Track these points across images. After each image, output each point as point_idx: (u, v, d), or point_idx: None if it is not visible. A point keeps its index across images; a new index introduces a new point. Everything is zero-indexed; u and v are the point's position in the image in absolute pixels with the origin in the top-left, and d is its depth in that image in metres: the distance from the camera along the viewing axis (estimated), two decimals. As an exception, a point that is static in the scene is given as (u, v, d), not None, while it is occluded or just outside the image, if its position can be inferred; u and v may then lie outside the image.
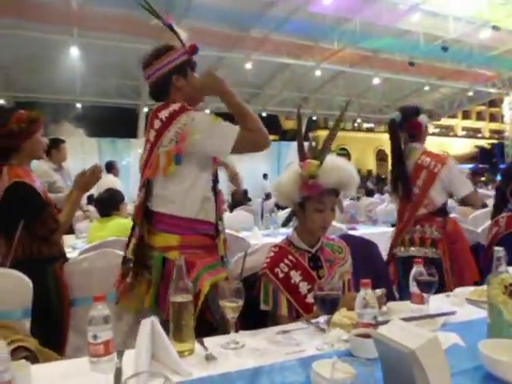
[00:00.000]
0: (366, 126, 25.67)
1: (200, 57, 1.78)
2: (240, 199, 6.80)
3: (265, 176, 12.14)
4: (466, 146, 30.13)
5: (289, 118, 22.89)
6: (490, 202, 5.32)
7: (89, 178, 2.13)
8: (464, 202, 2.55)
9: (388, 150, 2.73)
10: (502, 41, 10.66)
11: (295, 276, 1.62)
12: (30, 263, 1.93)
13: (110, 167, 6.53)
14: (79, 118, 18.86)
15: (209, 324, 1.54)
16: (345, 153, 22.68)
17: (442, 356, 0.84)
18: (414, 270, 1.48)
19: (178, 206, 1.60)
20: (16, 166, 1.99)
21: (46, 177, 3.81)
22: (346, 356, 1.10)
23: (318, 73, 11.63)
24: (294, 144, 1.81)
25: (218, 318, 1.54)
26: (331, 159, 1.64)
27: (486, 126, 34.17)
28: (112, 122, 17.36)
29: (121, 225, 3.14)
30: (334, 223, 2.11)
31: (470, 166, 14.64)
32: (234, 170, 3.77)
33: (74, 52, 8.94)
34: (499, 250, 1.19)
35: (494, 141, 29.13)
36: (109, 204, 3.24)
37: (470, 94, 14.69)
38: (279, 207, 5.38)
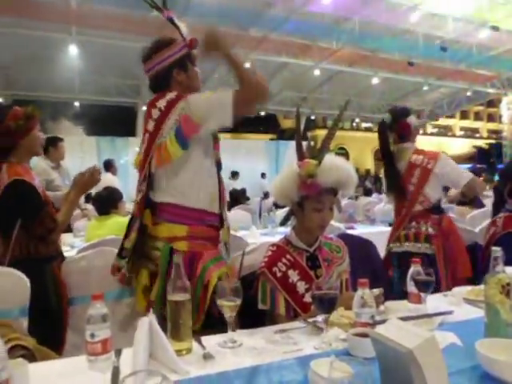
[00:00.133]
0: (364, 125, 25.68)
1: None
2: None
3: (263, 175, 12.13)
4: (464, 146, 30.18)
5: (287, 117, 22.89)
6: (488, 202, 5.35)
7: (88, 179, 2.13)
8: (467, 193, 2.54)
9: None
10: (501, 41, 10.67)
11: (293, 275, 1.62)
12: (28, 262, 1.92)
13: (109, 166, 6.52)
14: (78, 117, 18.85)
15: (214, 317, 1.54)
16: (343, 152, 22.71)
17: (440, 355, 0.84)
18: (411, 270, 1.48)
19: (184, 196, 1.60)
20: (15, 163, 1.98)
21: (45, 175, 3.81)
22: (344, 355, 1.10)
23: (316, 72, 11.63)
24: (293, 143, 1.81)
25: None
26: (330, 159, 1.64)
27: (483, 126, 34.24)
28: (111, 121, 17.36)
29: (119, 223, 3.14)
30: (332, 222, 2.11)
31: (468, 166, 14.67)
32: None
33: (73, 50, 8.92)
34: (497, 250, 1.19)
35: (492, 141, 29.17)
36: (107, 202, 3.24)
37: (469, 93, 14.71)
38: (277, 206, 5.37)
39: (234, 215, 4.89)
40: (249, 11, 8.53)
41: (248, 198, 8.76)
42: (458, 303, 1.57)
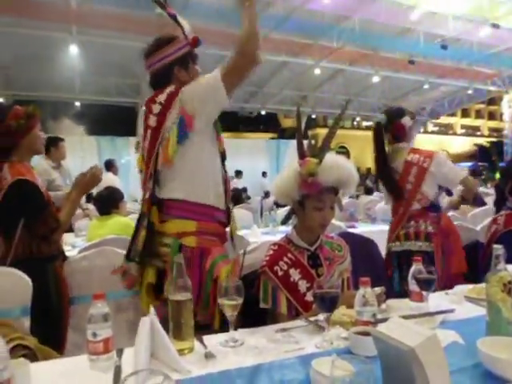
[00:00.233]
0: (365, 124, 25.64)
1: (200, 55, 1.78)
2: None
3: (264, 174, 12.15)
4: (465, 144, 30.15)
5: (288, 116, 22.87)
6: (489, 200, 5.35)
7: (89, 179, 2.12)
8: (466, 196, 2.58)
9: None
10: (502, 39, 10.65)
11: (294, 274, 1.62)
12: (30, 262, 1.92)
13: (110, 165, 6.53)
14: (78, 116, 18.85)
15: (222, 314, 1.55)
16: (344, 151, 22.67)
17: (441, 354, 0.84)
18: (413, 268, 1.48)
19: (192, 191, 1.60)
20: (17, 162, 1.98)
21: (46, 175, 3.81)
22: (346, 354, 1.10)
23: (317, 71, 11.61)
24: (293, 142, 1.81)
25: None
26: (331, 157, 1.64)
27: (484, 124, 34.19)
28: (111, 121, 17.37)
29: (120, 223, 3.15)
30: (333, 221, 2.11)
31: (469, 164, 14.64)
32: None
33: (73, 50, 8.92)
34: (498, 248, 1.19)
35: (493, 139, 29.14)
36: (108, 202, 3.24)
37: (470, 92, 14.68)
38: (278, 205, 5.37)
39: (235, 214, 4.87)
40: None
41: (249, 197, 8.77)
42: (459, 301, 1.57)
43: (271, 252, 1.69)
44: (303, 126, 14.22)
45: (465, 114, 32.24)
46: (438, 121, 26.47)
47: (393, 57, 11.63)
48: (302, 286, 1.61)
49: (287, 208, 1.92)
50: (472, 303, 1.56)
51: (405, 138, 2.60)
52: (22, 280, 1.75)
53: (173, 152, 1.56)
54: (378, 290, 1.42)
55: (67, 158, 4.35)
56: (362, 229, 4.21)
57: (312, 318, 1.40)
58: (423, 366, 0.80)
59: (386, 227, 2.76)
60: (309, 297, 1.57)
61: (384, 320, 1.09)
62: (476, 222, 3.64)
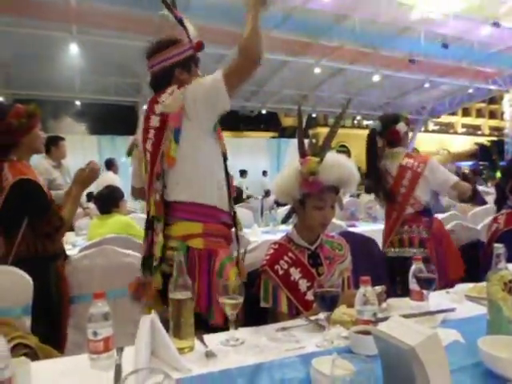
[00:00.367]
0: (365, 123, 25.62)
1: (201, 54, 1.78)
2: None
3: (264, 173, 12.15)
4: (466, 144, 30.11)
5: (288, 115, 22.84)
6: (490, 199, 5.35)
7: (88, 174, 2.12)
8: (460, 196, 2.59)
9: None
10: (503, 38, 10.63)
11: (295, 273, 1.62)
12: (34, 260, 1.92)
13: (110, 164, 6.53)
14: (79, 116, 18.86)
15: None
16: (345, 150, 22.68)
17: (442, 353, 0.84)
18: (413, 267, 1.48)
19: (197, 192, 1.58)
20: (16, 162, 1.97)
21: (46, 174, 3.81)
22: (346, 353, 1.10)
23: (317, 70, 11.59)
24: (294, 141, 1.81)
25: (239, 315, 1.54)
26: (331, 156, 1.64)
27: (485, 123, 34.16)
28: (111, 120, 17.37)
29: (121, 222, 3.15)
30: (333, 220, 2.11)
31: (470, 163, 14.64)
32: None
33: (74, 49, 8.91)
34: (499, 247, 1.19)
35: (494, 138, 29.11)
36: (108, 201, 3.25)
37: (471, 91, 14.66)
38: (279, 204, 5.37)
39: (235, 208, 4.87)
40: (249, 9, 8.51)
41: (249, 196, 8.77)
42: (460, 300, 1.57)
43: (272, 251, 1.69)
44: (304, 124, 14.20)
45: (465, 112, 32.22)
46: (439, 120, 26.46)
47: (393, 56, 11.60)
48: (303, 285, 1.61)
49: (288, 207, 1.92)
50: (473, 302, 1.56)
51: (400, 143, 2.64)
52: (23, 279, 1.75)
53: (173, 151, 1.56)
54: (378, 288, 1.42)
55: (68, 157, 4.35)
56: (362, 228, 4.21)
57: (312, 317, 1.40)
58: (424, 364, 0.80)
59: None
60: (309, 296, 1.58)
61: (384, 319, 1.09)
62: (476, 220, 3.64)
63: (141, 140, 1.70)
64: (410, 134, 2.88)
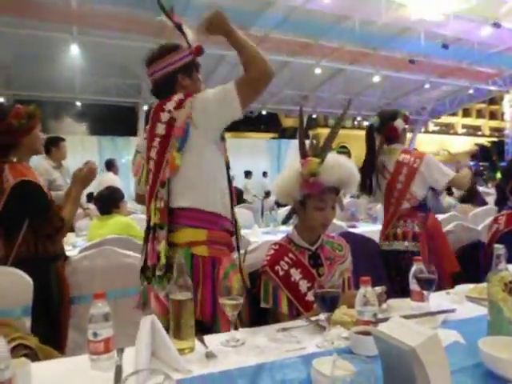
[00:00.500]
0: (366, 123, 25.61)
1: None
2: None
3: (264, 174, 12.15)
4: (466, 144, 30.11)
5: (288, 115, 22.85)
6: (490, 200, 5.35)
7: (87, 173, 2.12)
8: (459, 191, 2.64)
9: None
10: (503, 38, 10.63)
11: (295, 274, 1.62)
12: (34, 261, 1.92)
13: (110, 165, 6.53)
14: (79, 116, 18.87)
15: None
16: (345, 151, 22.66)
17: (442, 353, 0.84)
18: (413, 268, 1.48)
19: (201, 199, 1.57)
20: (17, 163, 1.97)
21: (46, 175, 3.81)
22: (346, 353, 1.10)
23: (317, 70, 11.59)
24: (294, 142, 1.81)
25: (243, 317, 1.54)
26: (332, 157, 1.64)
27: (486, 123, 34.17)
28: (112, 120, 17.39)
29: (121, 222, 3.15)
30: (334, 221, 2.11)
31: (470, 163, 14.62)
32: None
33: (74, 50, 8.92)
34: (499, 248, 1.19)
35: (494, 139, 29.10)
36: (109, 202, 3.25)
37: (471, 91, 14.66)
38: (279, 205, 5.38)
39: (236, 214, 4.88)
40: (249, 10, 8.51)
41: (245, 201, 8.77)
42: (460, 301, 1.57)
43: (272, 252, 1.69)
44: (304, 125, 14.18)
45: (466, 113, 32.23)
46: (439, 120, 26.47)
47: (393, 56, 11.60)
48: (303, 285, 1.61)
49: (288, 208, 1.92)
50: (473, 303, 1.56)
51: (398, 139, 2.67)
52: (23, 280, 1.75)
53: (177, 159, 1.54)
54: (378, 289, 1.42)
55: (68, 157, 4.35)
56: (362, 228, 4.20)
57: (313, 318, 1.40)
58: (424, 365, 0.80)
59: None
60: (310, 297, 1.58)
61: (385, 320, 1.09)
62: (477, 221, 3.64)
63: (145, 148, 1.68)
64: (410, 135, 2.91)
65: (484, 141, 30.24)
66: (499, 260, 1.18)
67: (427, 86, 13.56)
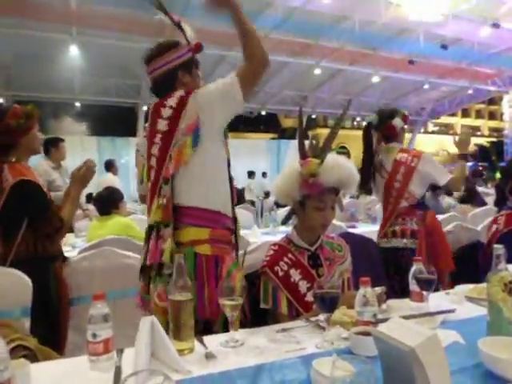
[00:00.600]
0: (365, 124, 25.59)
1: (200, 55, 1.78)
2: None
3: (264, 174, 12.15)
4: (466, 145, 30.07)
5: (288, 116, 22.87)
6: (490, 200, 5.35)
7: (85, 172, 2.12)
8: (450, 190, 2.66)
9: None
10: (502, 38, 10.64)
11: (295, 274, 1.62)
12: (33, 261, 1.92)
13: (110, 166, 6.51)
14: (79, 117, 18.87)
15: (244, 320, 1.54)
16: (344, 151, 22.67)
17: (442, 354, 0.84)
18: (413, 268, 1.48)
19: (204, 197, 1.56)
20: (16, 163, 1.97)
21: (46, 175, 3.82)
22: (346, 354, 1.10)
23: (317, 71, 11.61)
24: (294, 142, 1.82)
25: (247, 313, 1.55)
26: (332, 158, 1.64)
27: (485, 124, 34.20)
28: (111, 121, 17.39)
29: (120, 223, 3.15)
30: (333, 221, 2.11)
31: (470, 164, 14.63)
32: None
33: (74, 51, 8.92)
34: (499, 248, 1.19)
35: (494, 139, 29.12)
36: (108, 202, 3.24)
37: (470, 91, 14.68)
38: (278, 205, 5.38)
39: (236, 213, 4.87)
40: (249, 10, 8.50)
41: (244, 200, 8.79)
42: (460, 301, 1.57)
43: (271, 252, 1.69)
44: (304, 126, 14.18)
45: (465, 113, 32.26)
46: (439, 121, 26.52)
47: (393, 57, 11.62)
48: (303, 286, 1.61)
49: (287, 208, 1.92)
50: (473, 303, 1.56)
51: (396, 138, 2.67)
52: (22, 280, 1.75)
53: (187, 156, 1.53)
54: (378, 289, 1.42)
55: (67, 158, 4.35)
56: (362, 229, 4.20)
57: (312, 319, 1.40)
58: (424, 366, 0.80)
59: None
60: (309, 297, 1.57)
61: (384, 320, 1.09)
62: (476, 221, 3.64)
63: (145, 145, 1.67)
64: (409, 135, 2.93)
65: (483, 141, 30.27)
66: (499, 260, 1.18)
67: (426, 86, 13.58)
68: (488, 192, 7.15)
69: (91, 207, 4.19)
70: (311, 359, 1.02)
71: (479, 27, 10.17)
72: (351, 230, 3.52)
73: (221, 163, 1.64)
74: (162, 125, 1.58)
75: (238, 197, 6.94)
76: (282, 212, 4.39)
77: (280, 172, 1.81)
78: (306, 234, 1.70)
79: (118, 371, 1.06)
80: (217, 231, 1.58)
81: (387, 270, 2.46)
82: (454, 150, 2.86)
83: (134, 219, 3.65)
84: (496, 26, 9.72)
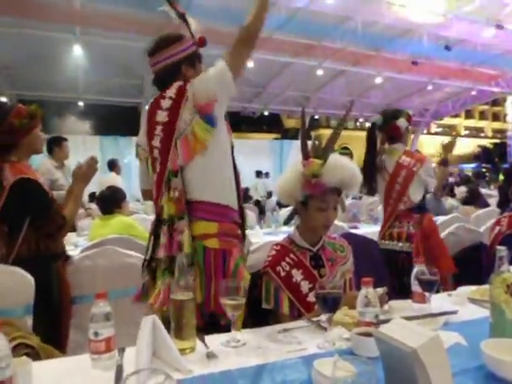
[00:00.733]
0: (368, 125, 25.55)
1: (203, 55, 1.78)
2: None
3: (267, 174, 12.15)
4: (469, 146, 30.05)
5: (291, 116, 22.84)
6: (492, 202, 5.33)
7: (87, 169, 2.12)
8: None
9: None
10: (506, 40, 10.61)
11: (296, 275, 1.62)
12: (35, 260, 1.92)
13: (112, 165, 6.53)
14: (82, 116, 18.91)
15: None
16: (347, 152, 22.67)
17: (444, 355, 0.84)
18: (415, 269, 1.48)
19: (212, 190, 1.57)
20: (16, 162, 1.97)
21: (49, 175, 3.82)
22: (348, 354, 1.10)
23: (320, 72, 11.59)
24: (296, 142, 1.82)
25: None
26: (334, 158, 1.63)
27: (488, 125, 34.09)
28: (114, 120, 17.42)
29: (123, 222, 3.15)
30: (335, 222, 2.10)
31: (473, 165, 14.59)
32: None
33: (77, 50, 8.94)
34: (502, 250, 1.19)
35: (497, 140, 29.03)
36: (111, 202, 3.25)
37: (474, 93, 14.64)
38: (281, 205, 5.37)
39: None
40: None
41: (251, 198, 8.78)
42: (462, 303, 1.57)
43: (273, 252, 1.69)
44: (306, 126, 14.17)
45: (468, 115, 32.17)
46: (442, 122, 26.41)
47: (396, 58, 11.59)
48: (305, 286, 1.61)
49: (290, 208, 1.92)
50: (475, 305, 1.56)
51: (400, 139, 2.68)
52: (25, 279, 1.75)
53: (202, 144, 1.53)
54: (380, 290, 1.42)
55: (70, 157, 4.35)
56: (364, 230, 4.20)
57: (314, 319, 1.40)
58: (425, 367, 0.79)
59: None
60: (311, 297, 1.57)
61: (386, 321, 1.09)
62: (479, 223, 3.63)
63: (146, 139, 1.68)
64: (412, 136, 2.94)
65: (487, 142, 30.18)
66: (501, 262, 1.17)
67: (430, 87, 13.55)
68: (491, 193, 7.13)
69: (94, 206, 4.20)
70: (312, 359, 1.02)
71: (483, 28, 10.14)
72: (353, 231, 3.52)
73: (225, 154, 1.65)
74: (162, 116, 1.59)
75: (244, 193, 6.94)
76: (285, 212, 4.39)
77: (283, 172, 1.81)
78: (308, 234, 1.70)
79: (119, 370, 1.06)
80: (224, 225, 1.59)
81: (388, 270, 2.47)
82: (458, 151, 2.88)
83: (137, 219, 3.66)
84: (499, 27, 9.70)
